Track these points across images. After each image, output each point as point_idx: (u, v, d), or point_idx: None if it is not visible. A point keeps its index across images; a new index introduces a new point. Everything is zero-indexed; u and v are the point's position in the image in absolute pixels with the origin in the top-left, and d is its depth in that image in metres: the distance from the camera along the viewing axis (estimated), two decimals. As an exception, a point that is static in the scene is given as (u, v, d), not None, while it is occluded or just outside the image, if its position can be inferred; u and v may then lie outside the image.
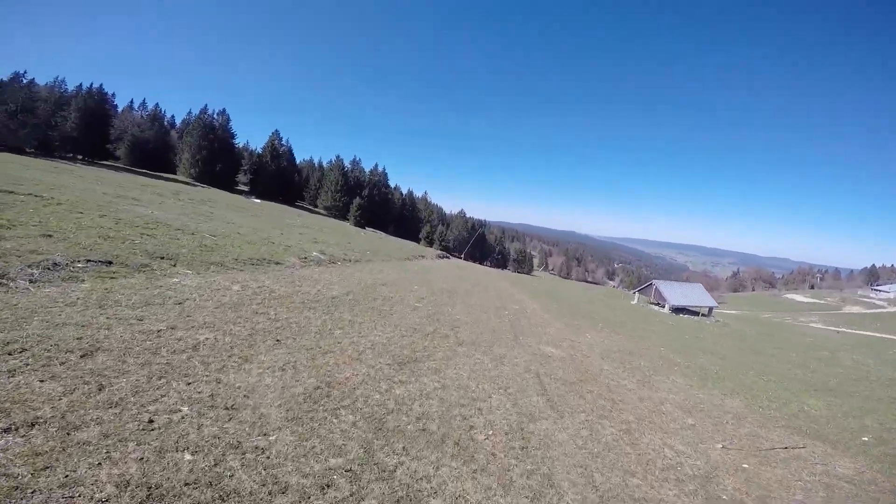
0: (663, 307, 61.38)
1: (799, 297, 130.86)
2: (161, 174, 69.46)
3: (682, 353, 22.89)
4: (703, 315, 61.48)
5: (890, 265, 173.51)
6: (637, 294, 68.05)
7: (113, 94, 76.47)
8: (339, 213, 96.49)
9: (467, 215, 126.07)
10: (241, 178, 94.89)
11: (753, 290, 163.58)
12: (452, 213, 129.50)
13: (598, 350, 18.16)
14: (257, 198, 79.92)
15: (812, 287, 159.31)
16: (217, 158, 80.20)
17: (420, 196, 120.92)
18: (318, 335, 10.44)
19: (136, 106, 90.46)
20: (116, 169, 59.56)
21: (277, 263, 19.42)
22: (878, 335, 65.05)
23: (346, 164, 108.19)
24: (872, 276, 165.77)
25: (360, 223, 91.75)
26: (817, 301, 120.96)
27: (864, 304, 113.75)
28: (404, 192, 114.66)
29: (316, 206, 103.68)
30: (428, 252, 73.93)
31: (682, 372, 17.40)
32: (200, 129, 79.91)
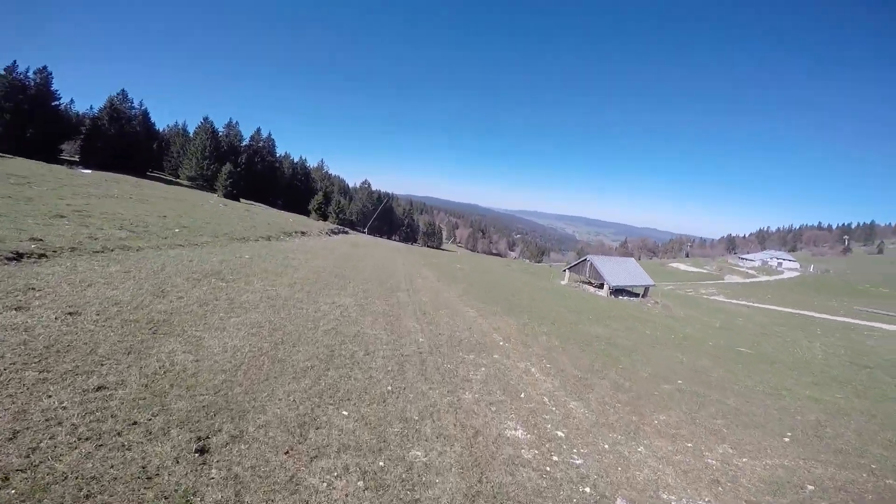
0: (600, 288, 47.98)
1: (683, 267, 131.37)
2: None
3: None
4: (641, 297, 49.26)
5: (743, 235, 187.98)
6: (567, 273, 54.22)
7: None
8: (208, 183, 70.89)
9: (373, 187, 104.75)
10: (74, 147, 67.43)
11: (639, 258, 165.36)
12: (356, 185, 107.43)
13: None
14: (87, 168, 53.48)
15: (687, 255, 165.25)
16: (28, 123, 54.46)
17: (315, 166, 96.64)
18: None
19: None
20: None
21: None
22: (780, 309, 60.58)
23: (220, 127, 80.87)
24: (731, 245, 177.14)
25: (233, 194, 67.32)
26: (701, 271, 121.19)
27: (740, 273, 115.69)
28: (295, 160, 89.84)
29: (178, 177, 76.20)
30: (315, 227, 53.00)
31: None
32: (3, 90, 52.68)
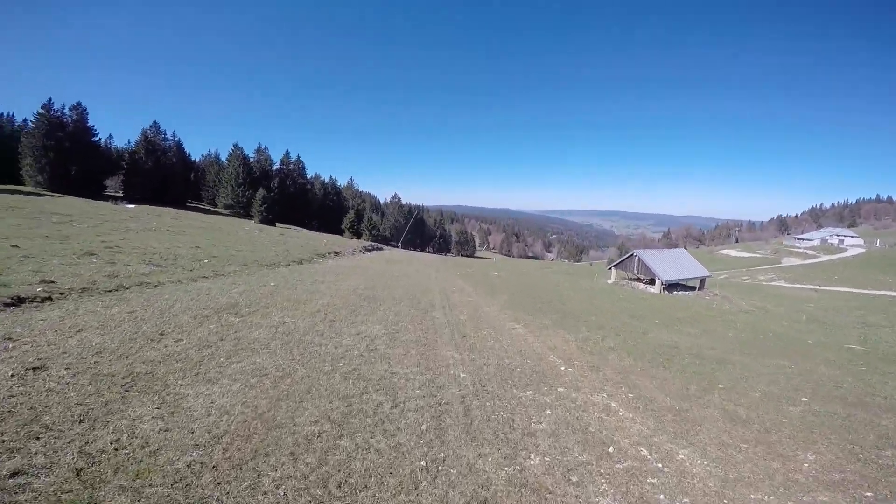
0: (652, 284, 44.11)
1: (734, 253, 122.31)
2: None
3: None
4: (698, 290, 44.83)
5: (795, 215, 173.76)
6: (613, 270, 50.44)
7: None
8: (243, 210, 72.14)
9: (402, 201, 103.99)
10: (118, 182, 68.53)
11: (685, 248, 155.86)
12: (387, 200, 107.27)
13: None
14: (131, 203, 55.24)
15: (737, 240, 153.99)
16: (70, 160, 54.89)
17: (345, 185, 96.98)
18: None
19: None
20: None
21: None
22: (852, 290, 54.25)
23: (250, 153, 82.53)
24: (782, 226, 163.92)
25: (269, 220, 67.98)
26: (754, 255, 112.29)
27: (798, 255, 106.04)
28: (325, 180, 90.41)
29: (216, 206, 78.19)
30: (349, 245, 52.03)
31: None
32: (44, 128, 53.67)
